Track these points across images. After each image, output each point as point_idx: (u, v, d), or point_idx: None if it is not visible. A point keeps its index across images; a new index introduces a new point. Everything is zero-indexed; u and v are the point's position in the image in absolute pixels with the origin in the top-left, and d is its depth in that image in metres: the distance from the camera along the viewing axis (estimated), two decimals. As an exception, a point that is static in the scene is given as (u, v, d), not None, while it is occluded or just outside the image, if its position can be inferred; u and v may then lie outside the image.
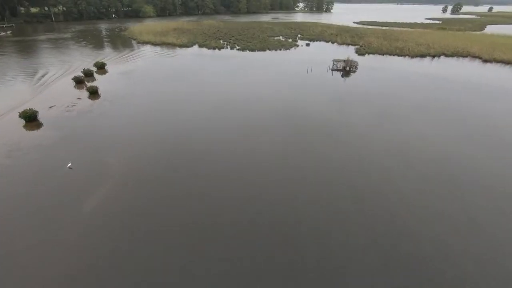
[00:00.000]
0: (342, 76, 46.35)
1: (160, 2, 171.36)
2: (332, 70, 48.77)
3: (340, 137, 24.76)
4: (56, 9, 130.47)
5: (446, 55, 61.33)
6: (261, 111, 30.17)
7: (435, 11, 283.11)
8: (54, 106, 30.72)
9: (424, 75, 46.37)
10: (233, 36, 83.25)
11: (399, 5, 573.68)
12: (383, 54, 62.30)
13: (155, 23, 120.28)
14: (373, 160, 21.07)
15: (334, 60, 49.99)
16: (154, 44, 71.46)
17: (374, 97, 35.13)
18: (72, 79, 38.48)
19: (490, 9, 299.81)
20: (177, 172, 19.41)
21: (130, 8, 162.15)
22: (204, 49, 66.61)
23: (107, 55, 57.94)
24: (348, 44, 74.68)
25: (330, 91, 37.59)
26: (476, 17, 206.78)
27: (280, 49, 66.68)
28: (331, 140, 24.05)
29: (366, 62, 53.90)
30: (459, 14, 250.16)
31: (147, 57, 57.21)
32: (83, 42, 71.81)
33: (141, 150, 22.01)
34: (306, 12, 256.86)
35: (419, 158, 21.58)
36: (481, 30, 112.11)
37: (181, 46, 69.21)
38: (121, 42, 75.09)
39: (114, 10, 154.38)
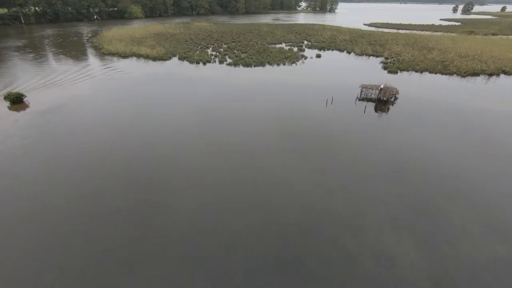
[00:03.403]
0: (376, 110, 31.18)
1: (149, 1, 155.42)
2: (361, 100, 33.62)
3: None
4: (27, 10, 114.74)
5: (507, 73, 45.83)
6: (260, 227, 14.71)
7: (443, 11, 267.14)
8: None
9: (502, 114, 30.82)
10: (225, 44, 67.80)
11: (402, 4, 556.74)
12: (421, 71, 46.67)
13: (138, 26, 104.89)
14: None
15: (363, 87, 34.52)
16: (123, 55, 55.87)
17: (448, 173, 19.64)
18: None
19: (503, 8, 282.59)
20: None
21: (115, 9, 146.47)
22: (185, 63, 51.07)
23: (45, 74, 42.32)
24: (368, 55, 59.13)
25: (374, 154, 22.05)
26: (493, 17, 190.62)
27: (284, 63, 51.11)
28: None
29: (403, 84, 38.22)
30: (470, 14, 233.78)
31: (97, 79, 41.11)
32: (30, 54, 56.19)
33: None
34: (309, 12, 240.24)
35: None
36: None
37: (155, 58, 53.62)
38: (80, 53, 59.23)
39: (96, 10, 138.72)
